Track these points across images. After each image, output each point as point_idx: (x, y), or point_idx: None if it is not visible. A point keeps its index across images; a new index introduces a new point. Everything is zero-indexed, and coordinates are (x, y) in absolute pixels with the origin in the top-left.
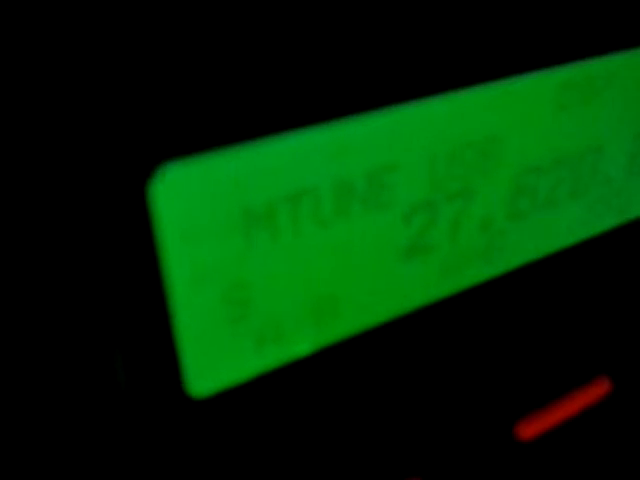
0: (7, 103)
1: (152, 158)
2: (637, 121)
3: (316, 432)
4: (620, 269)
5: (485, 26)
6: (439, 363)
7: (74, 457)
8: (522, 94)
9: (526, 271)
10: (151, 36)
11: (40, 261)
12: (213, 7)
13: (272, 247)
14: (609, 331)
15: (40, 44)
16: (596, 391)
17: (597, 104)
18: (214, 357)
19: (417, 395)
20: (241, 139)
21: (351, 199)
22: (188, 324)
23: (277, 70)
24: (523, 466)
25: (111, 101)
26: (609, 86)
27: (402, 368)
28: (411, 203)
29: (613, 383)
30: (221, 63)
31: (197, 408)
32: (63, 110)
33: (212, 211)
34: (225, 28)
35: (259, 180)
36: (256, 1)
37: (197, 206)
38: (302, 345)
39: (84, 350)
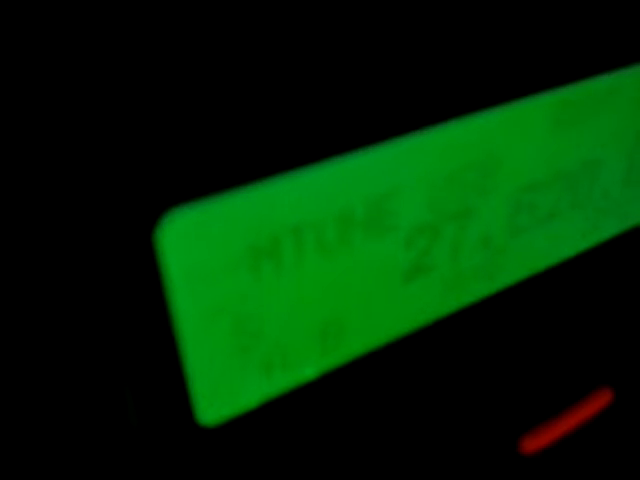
0: (14, 146)
1: (158, 206)
2: (632, 134)
3: (325, 454)
4: (620, 278)
5: (479, 55)
6: (443, 379)
7: None
8: (519, 113)
9: (527, 285)
10: (153, 81)
11: (51, 298)
12: (217, 47)
13: (278, 279)
14: (610, 341)
15: (48, 83)
16: (598, 401)
17: (593, 120)
18: (223, 386)
19: (423, 412)
20: (243, 181)
21: (353, 228)
22: (197, 356)
23: (274, 113)
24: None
25: (118, 152)
26: (605, 103)
27: (408, 385)
28: (412, 227)
29: (615, 393)
30: (219, 109)
31: (207, 436)
32: (70, 157)
33: (218, 250)
34: (221, 68)
35: (263, 218)
36: (260, 39)
37: (203, 247)
38: (309, 369)
39: (95, 380)
